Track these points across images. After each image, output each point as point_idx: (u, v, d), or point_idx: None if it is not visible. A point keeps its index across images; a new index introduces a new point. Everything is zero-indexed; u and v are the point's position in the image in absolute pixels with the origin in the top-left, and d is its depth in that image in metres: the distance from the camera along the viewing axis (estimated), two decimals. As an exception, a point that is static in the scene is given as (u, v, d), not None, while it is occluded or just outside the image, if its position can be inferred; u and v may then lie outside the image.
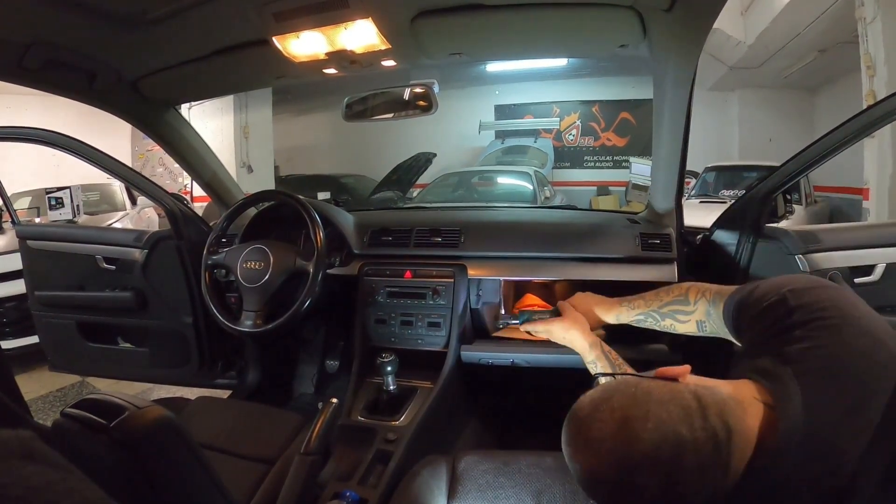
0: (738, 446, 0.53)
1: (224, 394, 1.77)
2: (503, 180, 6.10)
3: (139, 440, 0.55)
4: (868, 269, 1.23)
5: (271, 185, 6.69)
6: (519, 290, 1.51)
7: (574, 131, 9.44)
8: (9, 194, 1.92)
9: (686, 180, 1.44)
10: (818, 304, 0.62)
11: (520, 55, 1.43)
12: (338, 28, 1.00)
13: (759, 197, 1.24)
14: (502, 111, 9.58)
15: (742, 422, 0.54)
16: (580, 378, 0.97)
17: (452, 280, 1.37)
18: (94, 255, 1.71)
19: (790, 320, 0.62)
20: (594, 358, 1.00)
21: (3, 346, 2.71)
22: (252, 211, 1.62)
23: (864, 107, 1.22)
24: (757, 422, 0.55)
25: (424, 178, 6.22)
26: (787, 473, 0.53)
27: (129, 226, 4.54)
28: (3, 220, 3.45)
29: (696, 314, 0.89)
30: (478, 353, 1.38)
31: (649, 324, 0.99)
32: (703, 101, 7.95)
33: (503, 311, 1.46)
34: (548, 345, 1.13)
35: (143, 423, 0.56)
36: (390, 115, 1.41)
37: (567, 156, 9.44)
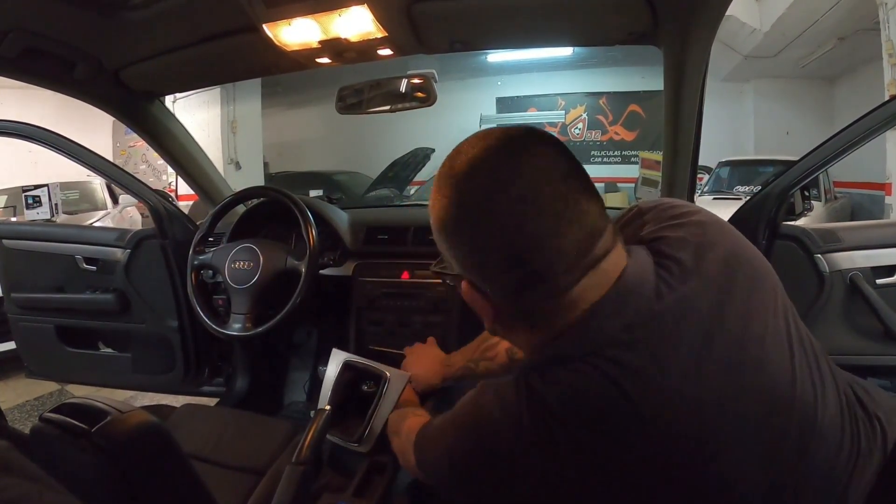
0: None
1: (211, 401, 1.76)
2: (505, 176, 6.07)
3: (122, 446, 0.55)
4: (891, 270, 1.23)
5: (260, 183, 6.69)
6: None
7: (580, 125, 9.45)
8: (-17, 192, 1.92)
9: (699, 176, 1.44)
10: (678, 208, 0.62)
11: (523, 44, 1.43)
12: (332, 15, 1.00)
13: (775, 193, 1.24)
14: (504, 103, 9.59)
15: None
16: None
17: None
18: (73, 255, 1.71)
19: (641, 219, 0.62)
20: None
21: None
22: (241, 208, 1.62)
23: (887, 97, 1.22)
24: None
25: (422, 175, 6.21)
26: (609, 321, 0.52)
27: (111, 225, 4.54)
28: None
29: (502, 343, 0.95)
30: None
31: (470, 375, 1.05)
32: (716, 92, 7.96)
33: None
34: None
35: (126, 429, 0.56)
36: (386, 108, 1.41)
37: (573, 151, 9.37)
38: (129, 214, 5.24)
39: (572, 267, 0.51)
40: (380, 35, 1.05)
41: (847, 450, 0.55)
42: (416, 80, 1.35)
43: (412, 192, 6.08)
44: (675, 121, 1.21)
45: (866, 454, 0.55)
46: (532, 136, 0.54)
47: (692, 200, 1.39)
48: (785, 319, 0.56)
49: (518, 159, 0.51)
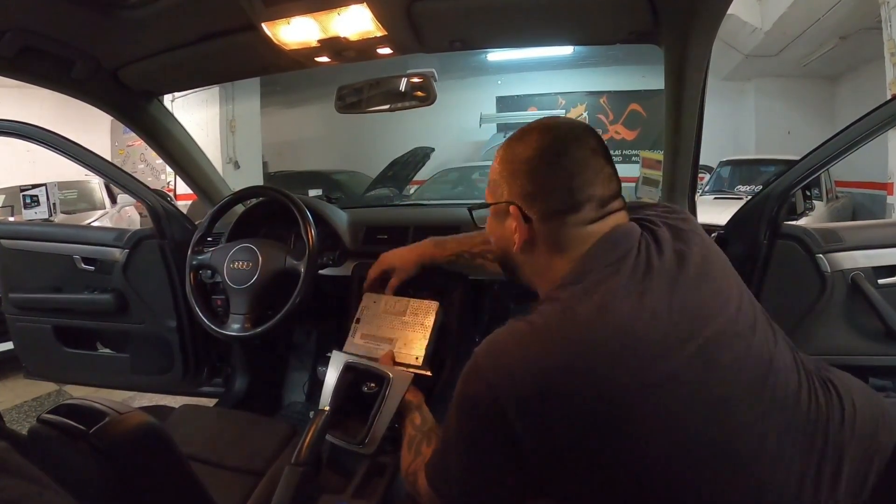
0: None
1: (210, 402, 1.77)
2: (506, 176, 6.06)
3: (120, 448, 0.55)
4: (893, 270, 1.23)
5: (259, 182, 6.69)
6: None
7: (581, 124, 9.43)
8: (-19, 191, 1.92)
9: (699, 175, 1.44)
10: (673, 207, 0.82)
11: (523, 43, 1.43)
12: (331, 13, 1.00)
13: (777, 193, 1.24)
14: (504, 103, 9.58)
15: None
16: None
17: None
18: (71, 255, 1.71)
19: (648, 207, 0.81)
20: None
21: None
22: (239, 208, 1.62)
23: (889, 96, 1.22)
24: None
25: (422, 174, 6.21)
26: None
27: (109, 225, 4.55)
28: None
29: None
30: None
31: (461, 263, 1.16)
32: (717, 91, 7.94)
33: None
34: None
35: (124, 430, 0.56)
36: (386, 107, 1.41)
37: (573, 150, 9.42)
38: (127, 214, 5.24)
39: (596, 208, 0.70)
40: (379, 34, 1.05)
41: (805, 403, 0.63)
42: (415, 79, 1.35)
43: (412, 191, 6.07)
44: (675, 120, 1.21)
45: (824, 415, 0.63)
46: (589, 129, 0.76)
47: (693, 200, 1.39)
48: (739, 297, 0.69)
49: (581, 134, 0.73)
